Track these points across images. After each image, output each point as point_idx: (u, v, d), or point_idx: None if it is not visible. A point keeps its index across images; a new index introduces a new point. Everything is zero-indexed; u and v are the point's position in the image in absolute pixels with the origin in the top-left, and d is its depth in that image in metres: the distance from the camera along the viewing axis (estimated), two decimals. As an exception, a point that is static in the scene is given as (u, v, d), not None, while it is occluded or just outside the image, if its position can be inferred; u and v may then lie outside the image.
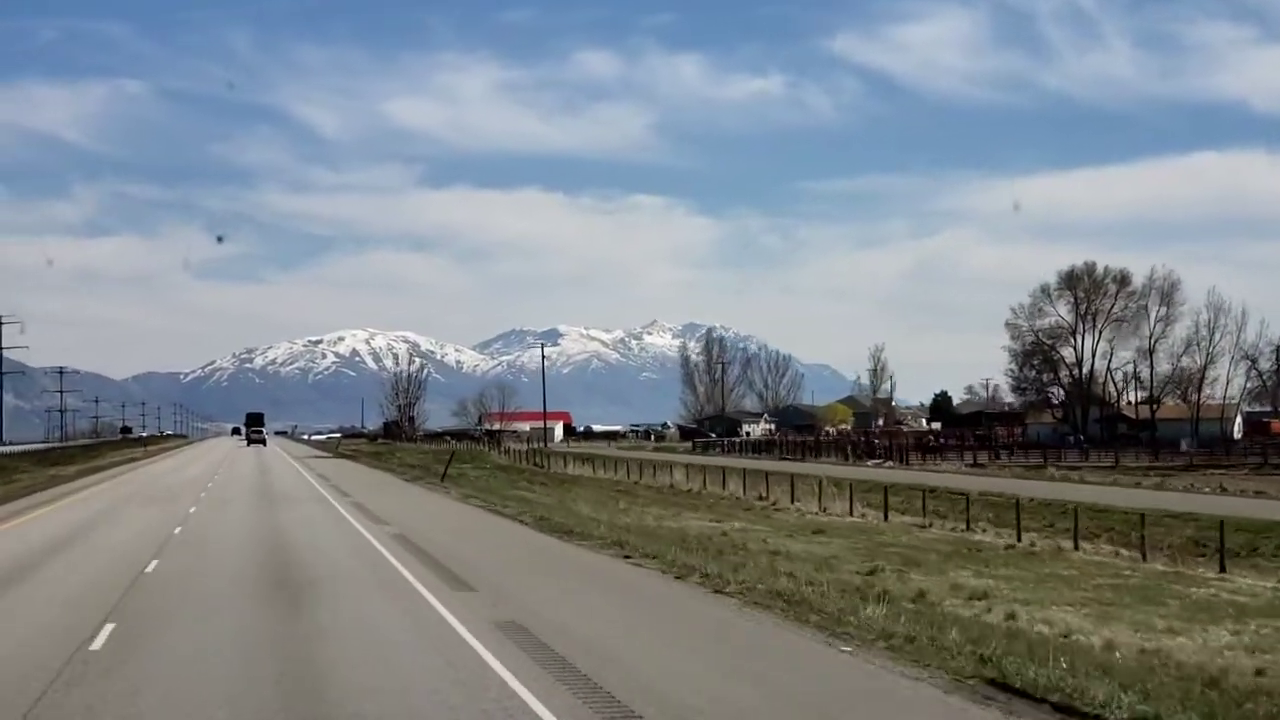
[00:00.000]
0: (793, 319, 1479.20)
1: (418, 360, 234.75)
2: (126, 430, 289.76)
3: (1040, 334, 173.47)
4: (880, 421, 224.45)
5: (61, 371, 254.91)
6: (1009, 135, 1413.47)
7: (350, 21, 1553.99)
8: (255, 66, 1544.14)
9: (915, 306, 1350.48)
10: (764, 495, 68.18)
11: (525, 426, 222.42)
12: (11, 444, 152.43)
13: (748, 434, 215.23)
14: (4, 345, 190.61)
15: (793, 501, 64.71)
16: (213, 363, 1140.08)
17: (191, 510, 50.18)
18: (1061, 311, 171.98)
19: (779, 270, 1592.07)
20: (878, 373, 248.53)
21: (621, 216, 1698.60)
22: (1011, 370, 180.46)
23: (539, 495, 66.72)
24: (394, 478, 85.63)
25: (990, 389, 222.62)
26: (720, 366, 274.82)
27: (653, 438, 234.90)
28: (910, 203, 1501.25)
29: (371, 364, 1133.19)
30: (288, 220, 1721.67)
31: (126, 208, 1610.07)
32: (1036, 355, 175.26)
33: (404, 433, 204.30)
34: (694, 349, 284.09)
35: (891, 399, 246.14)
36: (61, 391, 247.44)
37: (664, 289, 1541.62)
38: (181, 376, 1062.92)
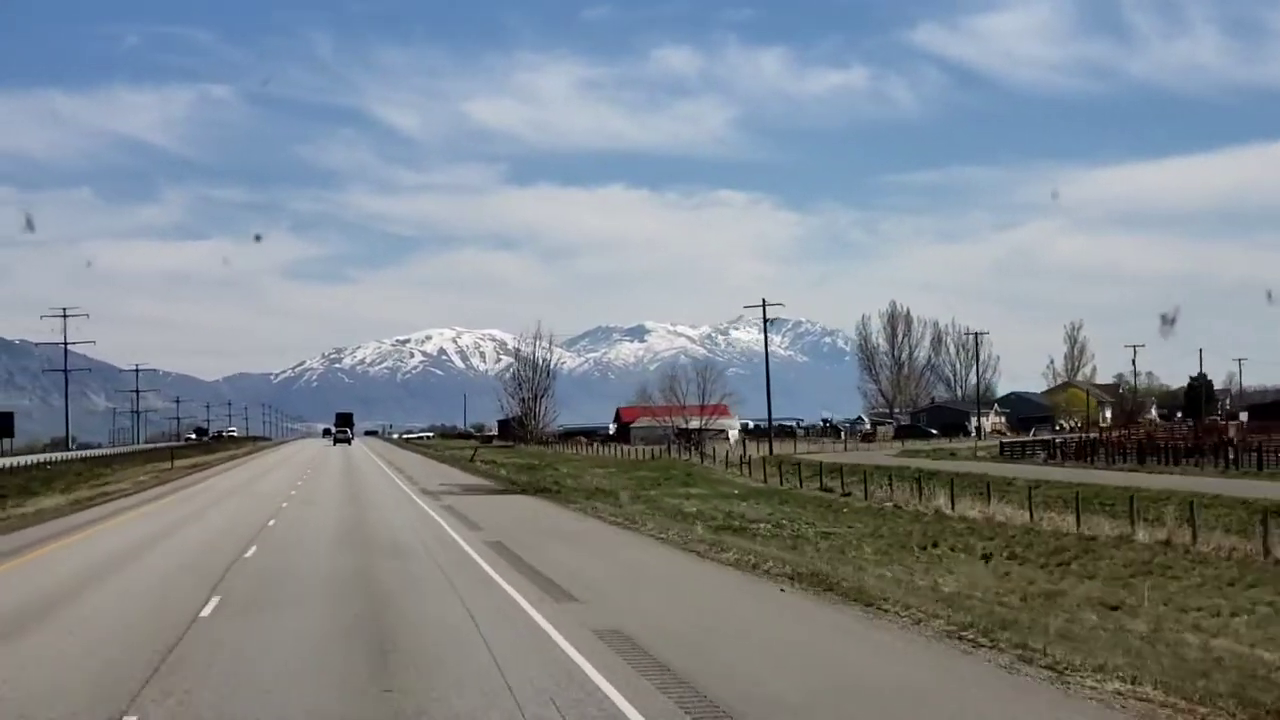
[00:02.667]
0: (879, 312, 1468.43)
1: (543, 343, 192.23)
2: (202, 431, 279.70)
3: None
4: (1108, 413, 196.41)
5: (138, 370, 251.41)
6: (1094, 124, 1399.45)
7: (430, 22, 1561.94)
8: (338, 69, 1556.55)
9: (1001, 298, 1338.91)
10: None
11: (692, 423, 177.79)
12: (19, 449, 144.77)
13: (977, 428, 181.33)
14: (71, 341, 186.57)
15: None
16: (303, 363, 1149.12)
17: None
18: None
19: (864, 264, 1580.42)
20: (1075, 354, 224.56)
21: (706, 212, 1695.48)
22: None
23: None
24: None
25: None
26: (908, 349, 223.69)
27: (857, 436, 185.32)
28: (994, 194, 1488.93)
29: (459, 362, 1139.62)
30: (373, 220, 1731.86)
31: (215, 211, 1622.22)
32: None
33: (529, 432, 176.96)
34: (876, 329, 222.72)
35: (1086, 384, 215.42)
36: (138, 391, 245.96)
37: (750, 284, 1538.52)
38: (272, 377, 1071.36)
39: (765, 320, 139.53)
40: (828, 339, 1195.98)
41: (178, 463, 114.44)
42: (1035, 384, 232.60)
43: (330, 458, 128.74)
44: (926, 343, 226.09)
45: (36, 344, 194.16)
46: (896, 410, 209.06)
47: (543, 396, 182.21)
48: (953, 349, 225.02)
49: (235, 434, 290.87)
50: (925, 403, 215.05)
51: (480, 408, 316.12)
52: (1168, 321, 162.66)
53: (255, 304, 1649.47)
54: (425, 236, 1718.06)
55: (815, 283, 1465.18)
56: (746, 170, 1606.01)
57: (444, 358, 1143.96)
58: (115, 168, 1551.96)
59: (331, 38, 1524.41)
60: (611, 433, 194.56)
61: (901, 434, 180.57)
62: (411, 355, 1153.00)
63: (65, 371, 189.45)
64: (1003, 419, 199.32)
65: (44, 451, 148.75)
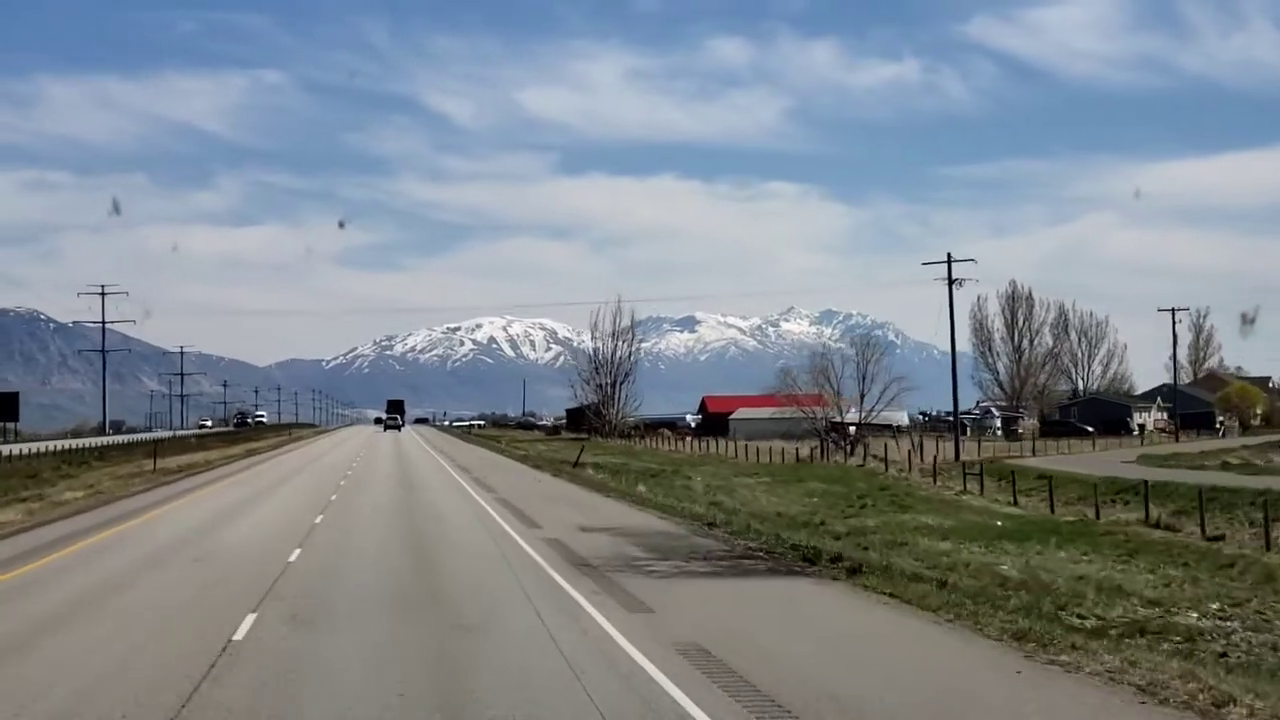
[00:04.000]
0: (930, 306, 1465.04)
1: (624, 320, 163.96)
2: (242, 417, 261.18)
3: None
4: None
5: (183, 352, 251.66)
6: (1149, 119, 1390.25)
7: (482, 10, 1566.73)
8: (390, 56, 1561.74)
9: (1055, 293, 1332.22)
10: None
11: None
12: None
13: (1140, 425, 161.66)
14: (112, 320, 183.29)
15: None
16: (354, 349, 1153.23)
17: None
18: None
19: (915, 257, 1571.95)
20: (1201, 345, 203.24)
21: (757, 204, 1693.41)
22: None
23: None
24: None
25: None
26: (1029, 335, 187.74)
27: (988, 432, 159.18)
28: (1048, 188, 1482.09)
29: (509, 351, 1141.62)
30: (425, 208, 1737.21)
31: (268, 197, 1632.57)
32: None
33: (608, 423, 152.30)
34: (992, 312, 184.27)
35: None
36: (182, 374, 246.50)
37: (800, 276, 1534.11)
38: (324, 363, 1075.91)
39: (950, 281, 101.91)
40: (878, 331, 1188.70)
41: (171, 460, 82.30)
42: (1142, 379, 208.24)
43: (378, 457, 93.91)
44: (1046, 328, 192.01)
45: (71, 323, 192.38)
46: (1022, 405, 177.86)
47: (623, 382, 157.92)
48: (1074, 336, 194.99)
49: (264, 419, 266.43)
50: (1052, 395, 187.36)
51: (531, 396, 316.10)
52: (1248, 321, 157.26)
53: (308, 290, 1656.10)
54: (476, 225, 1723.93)
55: (864, 275, 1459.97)
56: (797, 162, 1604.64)
57: (494, 346, 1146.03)
58: (170, 153, 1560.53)
59: (384, 25, 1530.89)
60: (692, 425, 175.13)
61: (1051, 431, 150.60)
62: (462, 343, 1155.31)
63: (103, 352, 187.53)
64: (1164, 415, 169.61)
65: (73, 437, 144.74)
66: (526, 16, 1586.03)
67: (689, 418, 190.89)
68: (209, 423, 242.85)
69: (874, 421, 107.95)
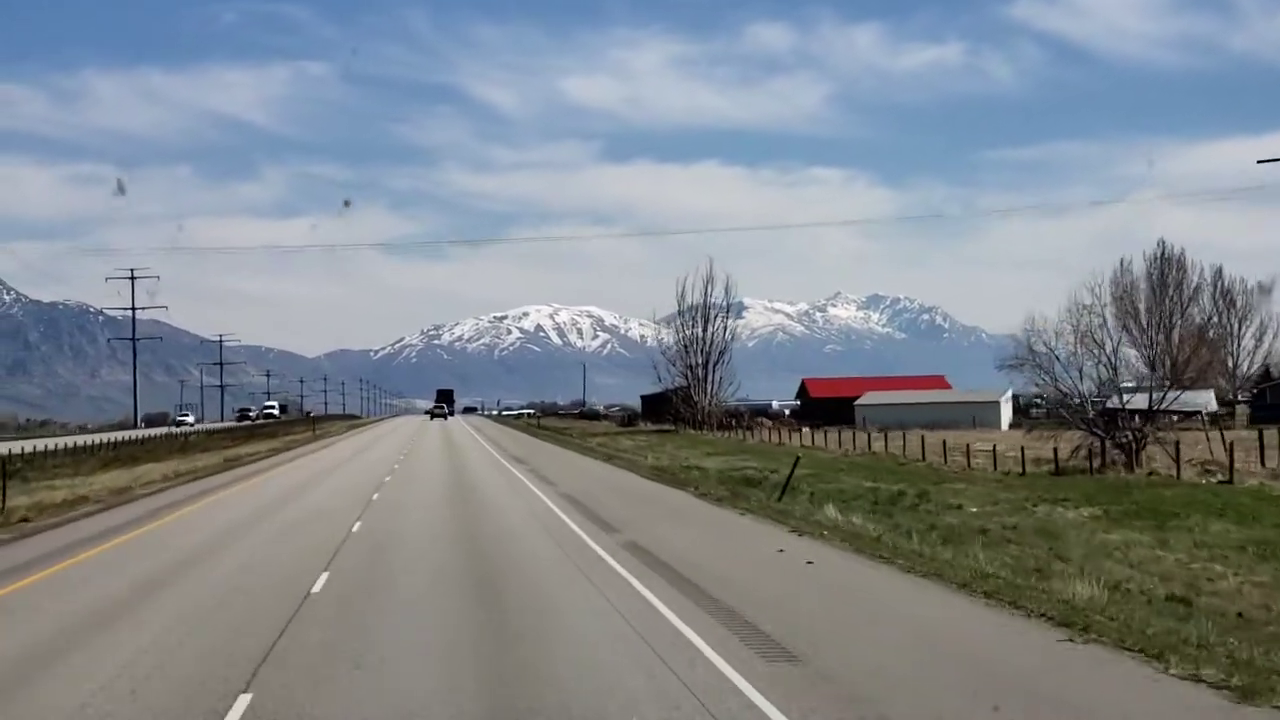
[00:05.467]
0: (977, 290, 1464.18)
1: (718, 288, 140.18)
2: (244, 412, 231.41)
3: None
4: None
5: (221, 341, 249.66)
6: (1195, 99, 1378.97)
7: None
8: (434, 46, 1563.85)
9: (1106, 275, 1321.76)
10: None
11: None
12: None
13: None
14: (141, 306, 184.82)
15: None
16: (402, 339, 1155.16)
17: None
18: None
19: (961, 241, 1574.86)
20: None
21: (802, 189, 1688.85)
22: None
23: None
24: None
25: None
26: (1180, 304, 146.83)
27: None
28: (1094, 170, 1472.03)
29: (556, 339, 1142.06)
30: (470, 198, 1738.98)
31: (314, 188, 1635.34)
32: None
33: (699, 411, 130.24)
34: (1138, 275, 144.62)
35: None
36: (221, 363, 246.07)
37: (846, 261, 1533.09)
38: (372, 353, 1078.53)
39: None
40: (925, 315, 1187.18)
41: (148, 468, 65.87)
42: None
43: (420, 483, 56.30)
44: (1204, 295, 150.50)
45: (97, 309, 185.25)
46: (1183, 386, 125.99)
47: (717, 363, 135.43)
48: (1238, 304, 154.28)
49: (276, 410, 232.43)
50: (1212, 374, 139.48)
51: (579, 384, 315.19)
52: (1264, 290, 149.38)
53: (355, 281, 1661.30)
54: (521, 214, 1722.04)
55: (911, 259, 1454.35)
56: (841, 147, 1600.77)
57: (541, 334, 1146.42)
58: (214, 145, 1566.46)
59: (427, 15, 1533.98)
60: (786, 413, 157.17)
61: (1264, 418, 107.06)
62: (509, 332, 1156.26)
63: (134, 340, 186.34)
64: None
65: (105, 430, 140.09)
66: (569, 5, 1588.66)
67: (775, 404, 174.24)
68: (253, 412, 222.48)
69: (1171, 409, 66.52)
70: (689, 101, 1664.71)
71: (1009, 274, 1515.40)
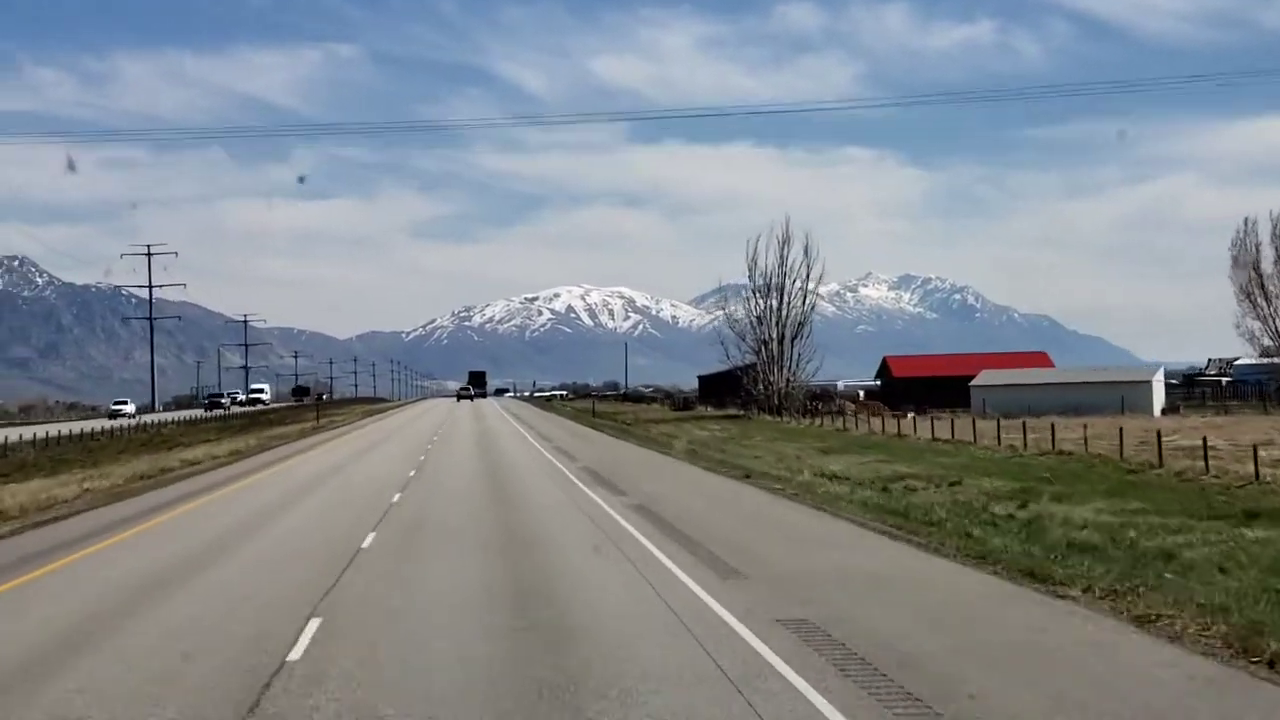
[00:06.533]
0: (1008, 269, 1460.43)
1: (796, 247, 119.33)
2: (302, 391, 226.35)
3: None
4: None
5: (246, 321, 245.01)
6: (1228, 76, 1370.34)
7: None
8: (462, 27, 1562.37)
9: (1135, 255, 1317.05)
10: None
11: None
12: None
13: None
14: (159, 284, 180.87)
15: None
16: (433, 321, 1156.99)
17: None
18: None
19: (991, 220, 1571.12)
20: None
21: (832, 169, 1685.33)
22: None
23: None
24: None
25: None
26: None
27: None
28: (1124, 148, 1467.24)
29: (587, 320, 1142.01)
30: (499, 179, 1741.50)
31: (343, 170, 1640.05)
32: None
33: (775, 394, 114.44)
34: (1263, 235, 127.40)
35: None
36: (246, 345, 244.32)
37: (877, 241, 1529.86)
38: (403, 335, 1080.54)
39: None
40: (956, 295, 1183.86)
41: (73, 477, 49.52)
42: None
43: (439, 513, 34.87)
44: None
45: (114, 287, 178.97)
46: None
47: (795, 337, 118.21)
48: None
49: (264, 397, 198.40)
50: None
51: (613, 364, 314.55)
52: None
53: (385, 263, 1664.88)
54: (551, 195, 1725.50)
55: (942, 239, 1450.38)
56: (872, 127, 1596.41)
57: (572, 315, 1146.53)
58: (245, 128, 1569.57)
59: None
60: (861, 394, 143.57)
61: None
62: (540, 313, 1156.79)
63: (150, 320, 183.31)
64: None
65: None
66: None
67: (841, 384, 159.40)
68: (226, 398, 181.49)
69: None
70: (718, 81, 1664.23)
71: (1040, 253, 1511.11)
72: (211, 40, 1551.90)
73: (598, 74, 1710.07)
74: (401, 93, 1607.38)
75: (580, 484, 43.25)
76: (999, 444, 58.48)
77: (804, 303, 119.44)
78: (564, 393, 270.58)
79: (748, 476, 44.81)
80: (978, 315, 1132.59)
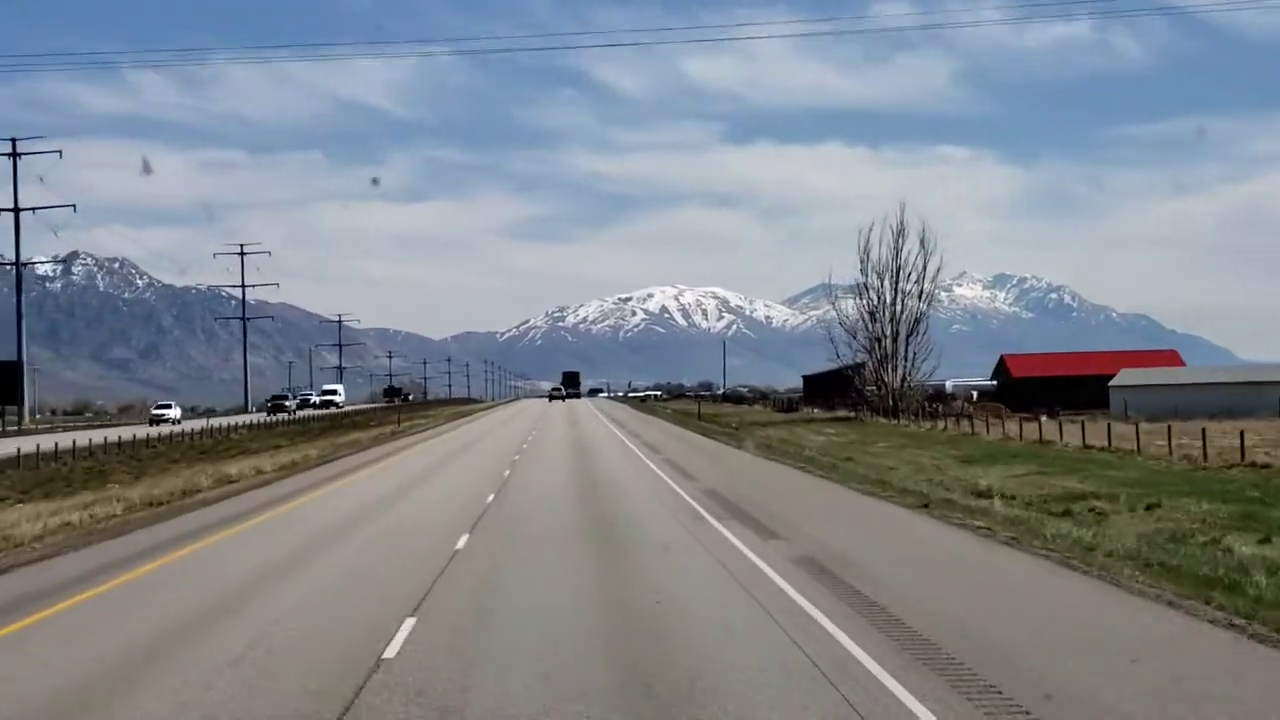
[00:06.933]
0: (1106, 269, 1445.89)
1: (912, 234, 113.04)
2: (394, 392, 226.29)
3: None
4: None
5: (340, 321, 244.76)
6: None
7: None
8: (556, 30, 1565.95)
9: (1236, 253, 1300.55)
10: None
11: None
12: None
13: None
14: (252, 283, 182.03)
15: None
16: (527, 321, 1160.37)
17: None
18: None
19: (1089, 219, 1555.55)
20: None
21: (927, 168, 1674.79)
22: None
23: None
24: None
25: None
26: None
27: None
28: (1226, 146, 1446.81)
29: (681, 320, 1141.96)
30: (593, 180, 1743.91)
31: (439, 172, 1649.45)
32: None
33: (889, 395, 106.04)
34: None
35: None
36: (340, 345, 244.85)
37: (972, 240, 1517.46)
38: (498, 335, 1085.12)
39: None
40: (1053, 294, 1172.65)
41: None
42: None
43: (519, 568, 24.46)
44: None
45: (211, 288, 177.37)
46: None
47: (911, 334, 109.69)
48: None
49: (337, 399, 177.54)
50: None
51: (707, 365, 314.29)
52: None
53: (480, 264, 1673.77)
54: (644, 195, 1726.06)
55: (1038, 238, 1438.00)
56: (967, 125, 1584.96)
57: (666, 315, 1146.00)
58: (343, 131, 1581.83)
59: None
60: (975, 395, 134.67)
61: None
62: (633, 313, 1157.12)
63: (244, 319, 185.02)
64: None
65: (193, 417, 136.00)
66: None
67: (950, 384, 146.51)
68: (292, 401, 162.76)
69: None
70: (812, 81, 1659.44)
71: (1138, 252, 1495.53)
72: (310, 44, 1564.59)
73: (691, 74, 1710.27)
74: (496, 94, 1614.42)
75: (712, 519, 32.04)
76: (1170, 453, 50.17)
77: (920, 297, 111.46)
78: (658, 393, 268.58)
79: (926, 506, 34.22)
80: (1074, 314, 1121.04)
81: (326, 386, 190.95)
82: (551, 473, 52.18)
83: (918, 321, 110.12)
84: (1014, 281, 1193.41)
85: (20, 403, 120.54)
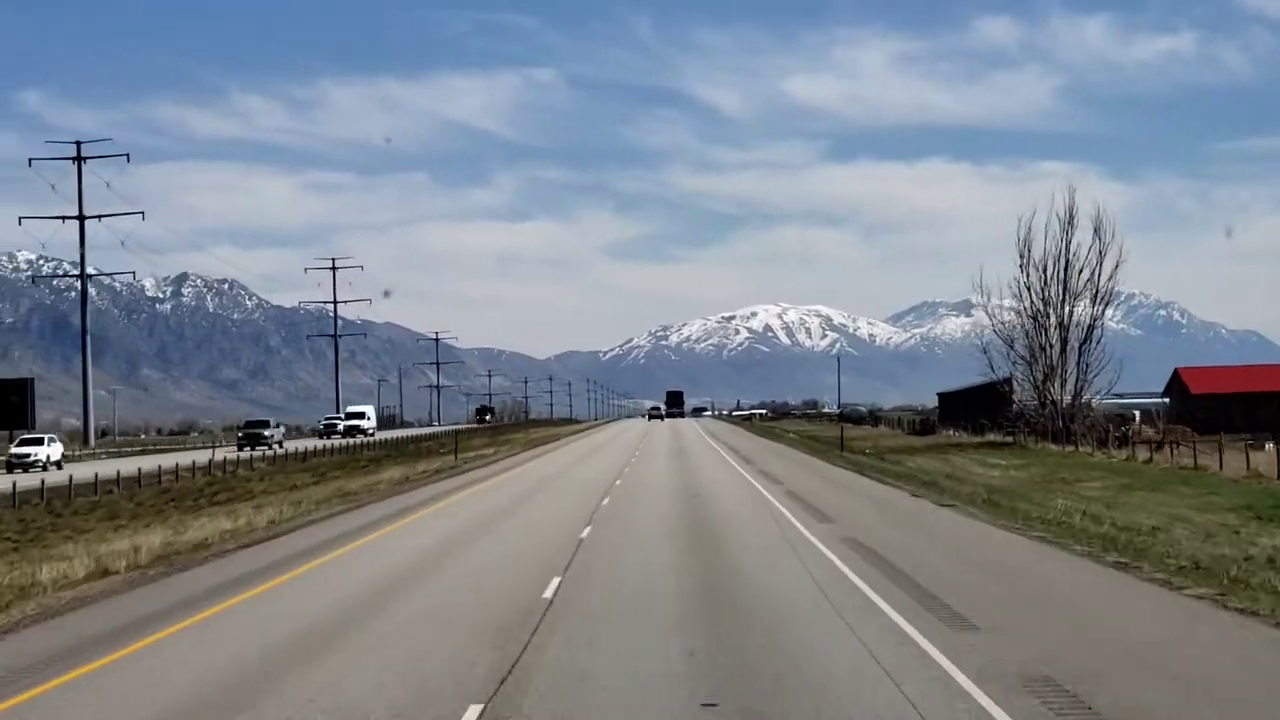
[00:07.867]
0: (1214, 284, 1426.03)
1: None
2: (485, 410, 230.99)
3: None
4: None
5: (438, 339, 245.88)
6: None
7: (748, 1, 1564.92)
8: (657, 50, 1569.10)
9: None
10: None
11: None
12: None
13: None
14: (345, 300, 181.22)
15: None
16: (630, 340, 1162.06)
17: None
18: None
19: (1196, 234, 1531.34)
20: None
21: (1030, 184, 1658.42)
22: None
23: None
24: None
25: None
26: None
27: None
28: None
29: (784, 339, 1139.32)
30: (695, 199, 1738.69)
31: (542, 192, 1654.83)
32: None
33: (1057, 415, 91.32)
34: None
35: None
36: (438, 363, 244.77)
37: (1079, 256, 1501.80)
38: (601, 354, 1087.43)
39: None
40: (1161, 311, 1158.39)
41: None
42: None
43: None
44: None
45: (306, 308, 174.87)
46: None
47: (1085, 343, 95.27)
48: None
49: (368, 423, 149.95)
50: None
51: (810, 383, 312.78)
52: None
53: (583, 283, 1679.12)
54: (747, 214, 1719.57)
55: (1145, 253, 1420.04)
56: (1071, 141, 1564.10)
57: (769, 334, 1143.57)
58: (448, 152, 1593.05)
59: (651, 20, 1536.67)
60: (1138, 415, 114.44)
61: None
62: (737, 332, 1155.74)
63: (335, 337, 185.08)
64: None
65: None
66: (791, 5, 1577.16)
67: (1096, 399, 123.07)
68: (342, 424, 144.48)
69: None
70: (913, 98, 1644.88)
71: (1248, 267, 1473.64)
72: (414, 66, 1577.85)
73: (792, 93, 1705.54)
74: (598, 114, 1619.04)
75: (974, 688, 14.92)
76: None
77: (1095, 299, 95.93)
78: (763, 411, 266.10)
79: None
80: (1183, 331, 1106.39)
81: (351, 409, 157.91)
82: (648, 537, 33.81)
83: (1091, 329, 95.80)
84: (1122, 298, 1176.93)
85: (32, 424, 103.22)
